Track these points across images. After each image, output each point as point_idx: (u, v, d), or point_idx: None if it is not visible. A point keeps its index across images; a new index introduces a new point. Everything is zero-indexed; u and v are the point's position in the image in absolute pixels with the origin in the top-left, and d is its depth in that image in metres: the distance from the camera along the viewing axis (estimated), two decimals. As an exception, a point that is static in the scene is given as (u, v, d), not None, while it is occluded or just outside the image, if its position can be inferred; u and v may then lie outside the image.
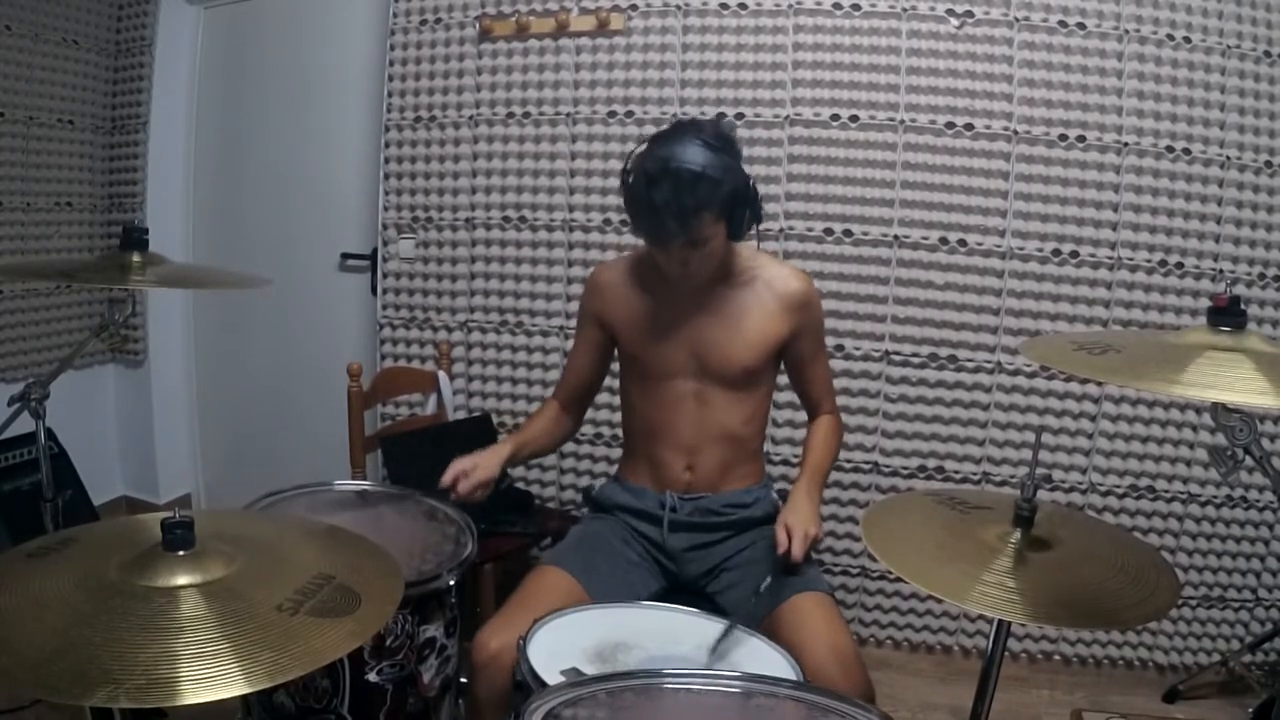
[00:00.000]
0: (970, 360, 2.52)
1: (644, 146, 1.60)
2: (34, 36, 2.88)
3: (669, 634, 1.44)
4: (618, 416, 1.95)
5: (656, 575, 1.78)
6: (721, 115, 2.54)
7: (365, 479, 2.33)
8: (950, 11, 2.41)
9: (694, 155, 1.53)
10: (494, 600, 2.31)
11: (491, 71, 2.74)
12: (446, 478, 1.65)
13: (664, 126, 1.65)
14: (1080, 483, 2.52)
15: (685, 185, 1.51)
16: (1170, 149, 2.38)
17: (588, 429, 2.72)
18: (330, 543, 1.25)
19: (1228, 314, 1.07)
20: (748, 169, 1.65)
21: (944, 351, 2.53)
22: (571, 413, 1.92)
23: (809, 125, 2.52)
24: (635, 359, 1.79)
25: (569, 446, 2.77)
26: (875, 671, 1.85)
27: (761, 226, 1.70)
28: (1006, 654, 1.52)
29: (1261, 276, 2.40)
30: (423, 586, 1.49)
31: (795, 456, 1.80)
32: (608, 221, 2.68)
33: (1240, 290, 2.37)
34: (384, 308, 2.92)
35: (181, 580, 1.01)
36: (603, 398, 1.97)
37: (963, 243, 2.48)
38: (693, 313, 1.73)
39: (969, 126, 2.44)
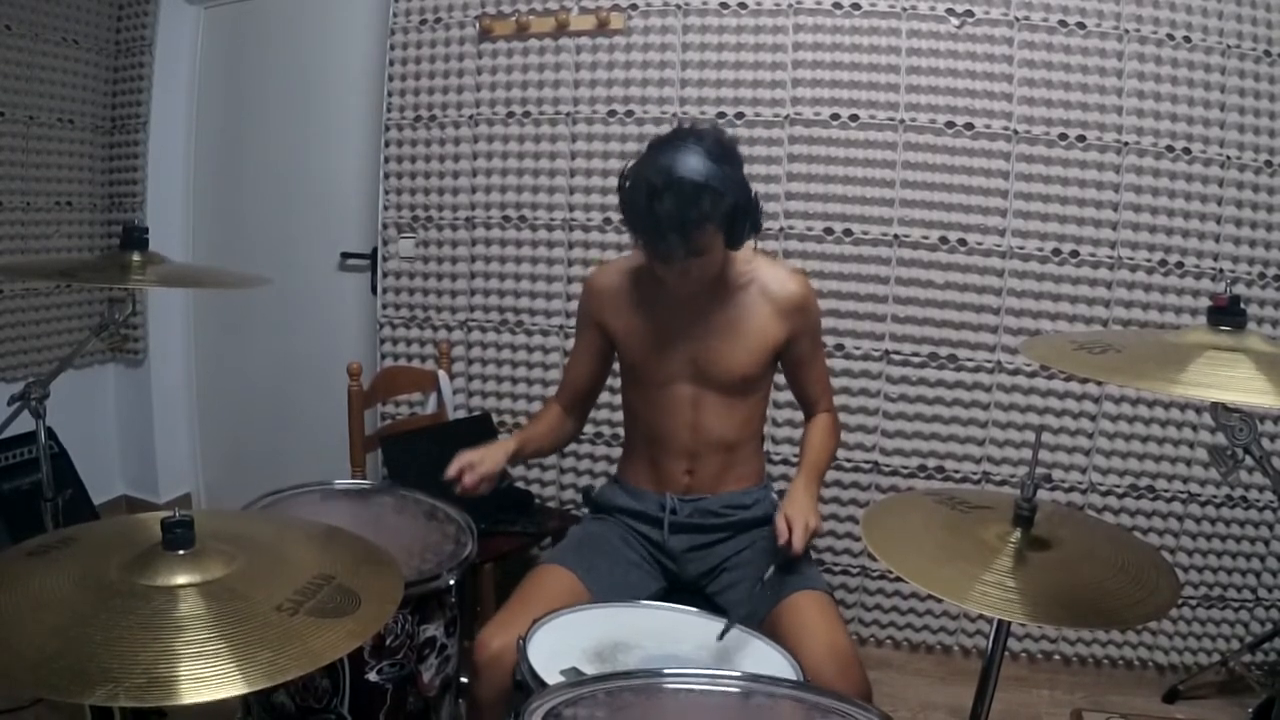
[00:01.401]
0: (970, 360, 2.52)
1: (642, 155, 1.57)
2: (34, 36, 2.88)
3: (669, 634, 1.44)
4: (618, 416, 1.95)
5: (657, 575, 1.78)
6: (720, 115, 2.54)
7: (365, 479, 2.34)
8: (950, 11, 2.41)
9: (696, 167, 1.49)
10: (494, 600, 2.31)
11: (491, 71, 2.74)
12: (452, 469, 1.63)
13: (663, 132, 1.62)
14: (1080, 483, 2.52)
15: (688, 200, 1.47)
16: (1170, 149, 2.38)
17: (588, 429, 2.71)
18: (330, 543, 1.25)
19: (1228, 314, 1.07)
20: (747, 169, 1.63)
21: (944, 351, 2.53)
22: (574, 415, 1.91)
23: (809, 125, 2.52)
24: (634, 366, 1.79)
25: (569, 446, 2.77)
26: (875, 671, 1.85)
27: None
28: (1006, 654, 1.52)
29: (1261, 276, 2.40)
30: (423, 586, 1.49)
31: (795, 457, 1.80)
32: (608, 221, 2.68)
33: (1240, 290, 2.37)
34: (384, 307, 2.92)
35: (181, 580, 1.01)
36: (603, 398, 1.97)
37: (963, 242, 2.48)
38: (691, 320, 1.71)
39: (969, 126, 2.44)
